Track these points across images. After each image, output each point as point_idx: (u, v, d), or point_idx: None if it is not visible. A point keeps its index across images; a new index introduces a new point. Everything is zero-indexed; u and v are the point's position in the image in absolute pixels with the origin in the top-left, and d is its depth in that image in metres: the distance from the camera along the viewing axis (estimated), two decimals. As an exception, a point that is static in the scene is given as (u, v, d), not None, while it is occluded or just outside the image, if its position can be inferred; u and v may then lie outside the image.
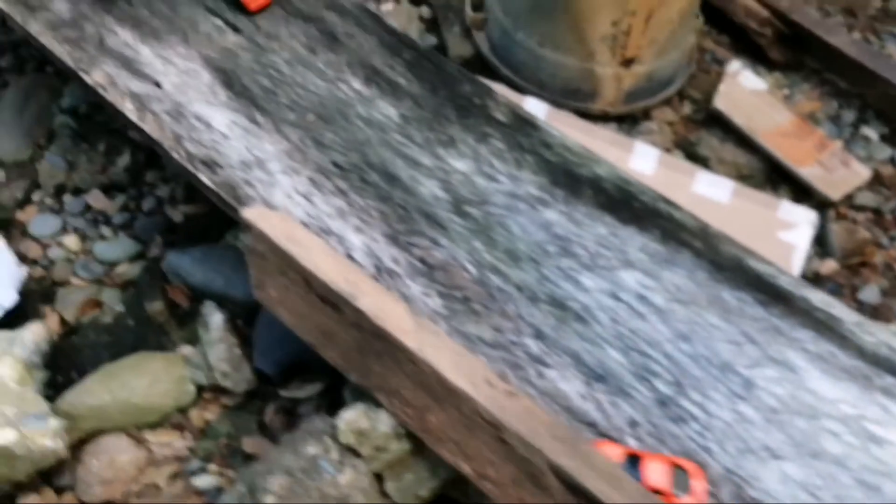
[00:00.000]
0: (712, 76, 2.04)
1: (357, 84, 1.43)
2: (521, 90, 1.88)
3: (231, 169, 1.30)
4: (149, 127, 1.33)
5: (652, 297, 1.23)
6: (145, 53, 1.42)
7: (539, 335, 1.18)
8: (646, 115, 1.93)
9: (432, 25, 2.14)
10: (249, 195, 1.27)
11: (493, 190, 1.33)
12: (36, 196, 1.81)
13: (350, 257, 1.22)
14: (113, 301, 1.63)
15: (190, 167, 1.30)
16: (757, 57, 2.10)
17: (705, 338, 1.20)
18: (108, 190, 1.80)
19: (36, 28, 1.43)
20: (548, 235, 1.28)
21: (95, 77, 1.38)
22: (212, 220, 1.73)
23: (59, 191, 1.80)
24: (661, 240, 1.28)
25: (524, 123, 1.40)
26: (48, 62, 2.00)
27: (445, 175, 1.34)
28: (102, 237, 1.74)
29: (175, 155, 1.30)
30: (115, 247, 1.72)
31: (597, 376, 1.15)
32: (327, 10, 1.51)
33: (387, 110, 1.40)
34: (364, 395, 1.26)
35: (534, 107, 1.80)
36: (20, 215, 1.78)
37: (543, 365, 1.15)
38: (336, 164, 1.33)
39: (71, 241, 1.73)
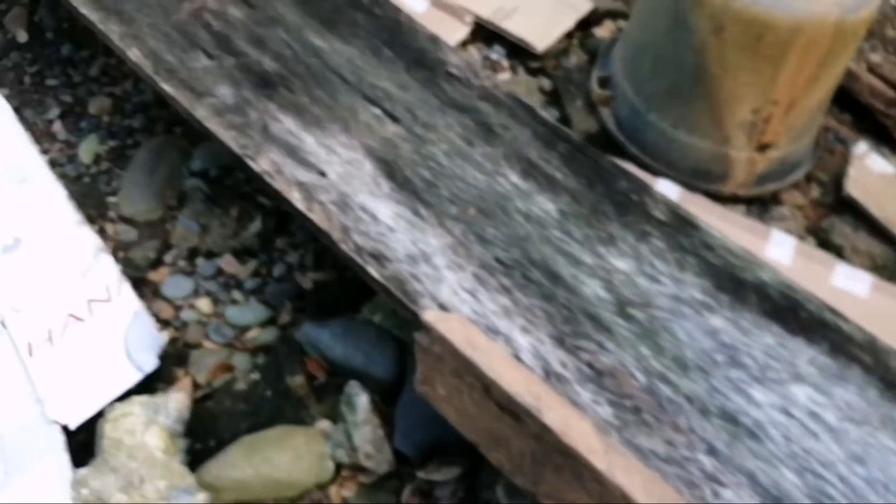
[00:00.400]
0: (837, 156, 2.04)
1: (514, 177, 1.46)
2: (649, 169, 1.90)
3: (399, 263, 1.34)
4: (317, 217, 1.38)
5: (824, 415, 1.23)
6: (309, 142, 1.47)
7: (712, 451, 1.19)
8: (774, 197, 1.93)
9: (553, 98, 2.18)
10: (418, 290, 1.30)
11: (657, 292, 1.34)
12: (168, 257, 1.87)
13: (518, 358, 1.25)
14: (243, 365, 1.68)
15: (359, 260, 1.34)
16: (881, 137, 2.09)
17: (880, 461, 1.20)
18: (240, 254, 1.86)
19: (202, 113, 1.48)
20: (715, 343, 1.29)
21: (262, 165, 1.43)
22: (341, 288, 1.78)
23: (192, 254, 1.85)
24: (829, 353, 1.29)
25: (684, 223, 1.42)
26: (177, 123, 2.09)
27: (607, 274, 1.36)
28: (234, 301, 1.79)
29: (343, 247, 1.34)
30: (246, 312, 1.76)
31: (773, 498, 1.15)
32: (481, 101, 1.55)
33: (545, 205, 1.43)
34: (520, 496, 1.28)
35: (666, 189, 1.82)
36: (152, 275, 1.84)
37: (719, 484, 1.16)
38: (499, 261, 1.36)
39: (203, 304, 1.78)
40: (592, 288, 1.33)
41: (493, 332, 1.27)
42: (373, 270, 1.32)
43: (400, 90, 1.55)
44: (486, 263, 1.35)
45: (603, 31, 2.37)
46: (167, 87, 1.51)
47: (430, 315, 1.20)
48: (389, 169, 1.45)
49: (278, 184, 1.41)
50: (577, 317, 1.30)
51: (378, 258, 1.34)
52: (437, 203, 1.41)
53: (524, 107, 1.56)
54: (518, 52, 2.27)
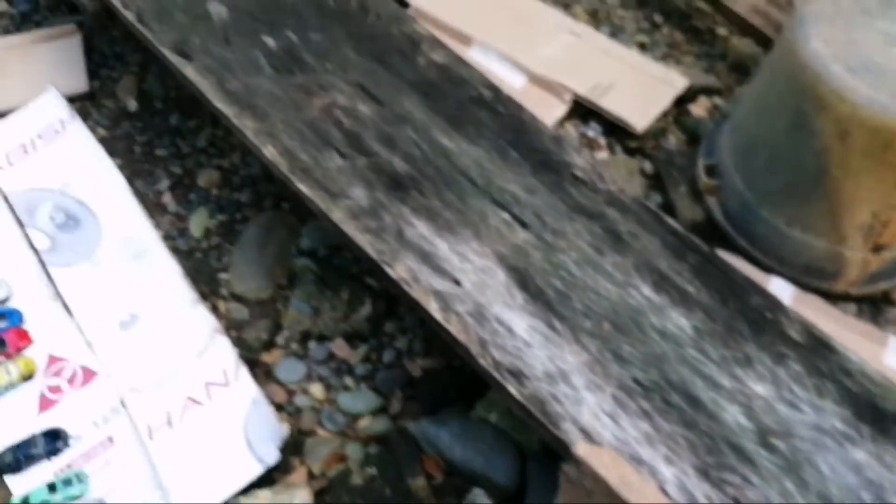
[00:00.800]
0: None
1: (646, 290, 1.44)
2: (759, 263, 1.88)
3: (537, 381, 1.32)
4: (454, 329, 1.37)
5: (978, 562, 1.20)
6: (442, 248, 1.46)
7: None
8: (885, 297, 1.89)
9: (655, 182, 2.16)
10: (559, 413, 1.28)
11: (798, 421, 1.31)
12: (280, 339, 1.87)
13: (663, 491, 1.23)
14: (356, 455, 1.66)
15: (497, 376, 1.32)
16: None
17: None
18: (351, 339, 1.85)
19: (338, 216, 1.48)
20: (859, 479, 1.25)
21: (399, 271, 1.43)
22: (450, 377, 1.77)
23: (304, 337, 1.86)
24: (979, 494, 1.25)
25: (820, 345, 1.39)
26: (285, 199, 2.10)
27: (747, 400, 1.33)
28: (346, 388, 1.78)
29: (482, 362, 1.33)
30: (357, 399, 1.75)
31: None
32: (608, 207, 1.54)
33: (679, 321, 1.41)
34: None
35: (780, 288, 1.79)
36: (265, 357, 1.84)
37: None
38: (637, 381, 1.34)
39: (316, 389, 1.78)
40: (733, 414, 1.31)
41: (636, 460, 1.24)
42: (512, 389, 1.31)
43: (528, 194, 1.54)
44: (624, 384, 1.33)
45: (698, 108, 2.34)
46: (303, 188, 1.51)
47: (582, 449, 1.18)
48: (522, 278, 1.44)
49: (415, 292, 1.40)
50: (720, 446, 1.27)
51: (517, 375, 1.32)
52: (571, 316, 1.40)
53: (651, 213, 1.54)
54: (614, 129, 2.25)
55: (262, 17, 1.73)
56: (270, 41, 1.68)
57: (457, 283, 1.42)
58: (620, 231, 1.50)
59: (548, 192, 1.54)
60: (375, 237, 1.46)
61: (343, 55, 1.68)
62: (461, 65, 1.70)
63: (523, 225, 1.50)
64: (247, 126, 1.57)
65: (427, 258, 1.45)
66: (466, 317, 1.38)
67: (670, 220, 1.53)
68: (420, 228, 1.48)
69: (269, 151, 1.55)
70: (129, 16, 1.71)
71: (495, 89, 1.67)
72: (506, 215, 1.51)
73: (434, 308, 1.39)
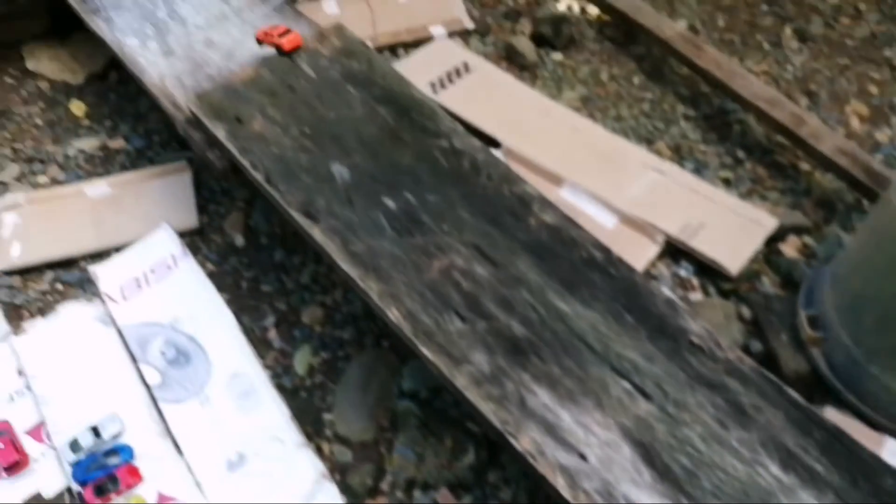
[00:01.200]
0: None
1: (775, 468, 1.41)
2: (867, 418, 1.83)
3: (672, 570, 1.29)
4: (583, 508, 1.36)
5: None
6: (566, 419, 1.46)
7: None
8: None
9: (754, 328, 2.14)
10: None
11: None
12: (384, 484, 1.86)
13: None
14: None
15: (630, 562, 1.30)
16: None
17: None
18: (455, 488, 1.83)
19: (462, 382, 1.49)
20: None
21: (524, 443, 1.42)
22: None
23: (409, 484, 1.84)
24: None
25: (960, 535, 1.35)
26: (385, 336, 2.13)
27: None
28: (452, 540, 1.77)
29: (614, 546, 1.32)
30: (462, 554, 1.74)
31: None
32: (728, 377, 1.52)
33: (811, 504, 1.38)
34: None
35: (895, 452, 1.74)
36: (370, 504, 1.85)
37: None
38: (774, 572, 1.30)
39: (424, 543, 1.77)
40: None
41: None
42: (647, 577, 1.28)
43: (646, 362, 1.54)
44: (761, 575, 1.29)
45: (789, 248, 2.33)
46: (427, 352, 1.53)
47: None
48: (647, 454, 1.42)
49: (541, 467, 1.39)
50: None
51: (650, 562, 1.30)
52: (701, 497, 1.37)
53: (772, 384, 1.52)
54: (706, 268, 2.25)
55: (382, 179, 1.79)
56: (390, 202, 1.74)
57: (582, 457, 1.41)
58: (743, 403, 1.48)
59: (666, 359, 1.54)
60: (498, 406, 1.46)
61: (458, 216, 1.73)
62: (571, 225, 1.73)
63: (645, 395, 1.49)
64: (371, 288, 1.61)
65: (551, 430, 1.44)
66: (595, 495, 1.36)
67: (792, 392, 1.51)
68: (542, 397, 1.48)
69: (394, 314, 1.58)
70: (258, 176, 1.79)
71: (606, 250, 1.69)
72: (626, 384, 1.51)
73: (561, 485, 1.37)
